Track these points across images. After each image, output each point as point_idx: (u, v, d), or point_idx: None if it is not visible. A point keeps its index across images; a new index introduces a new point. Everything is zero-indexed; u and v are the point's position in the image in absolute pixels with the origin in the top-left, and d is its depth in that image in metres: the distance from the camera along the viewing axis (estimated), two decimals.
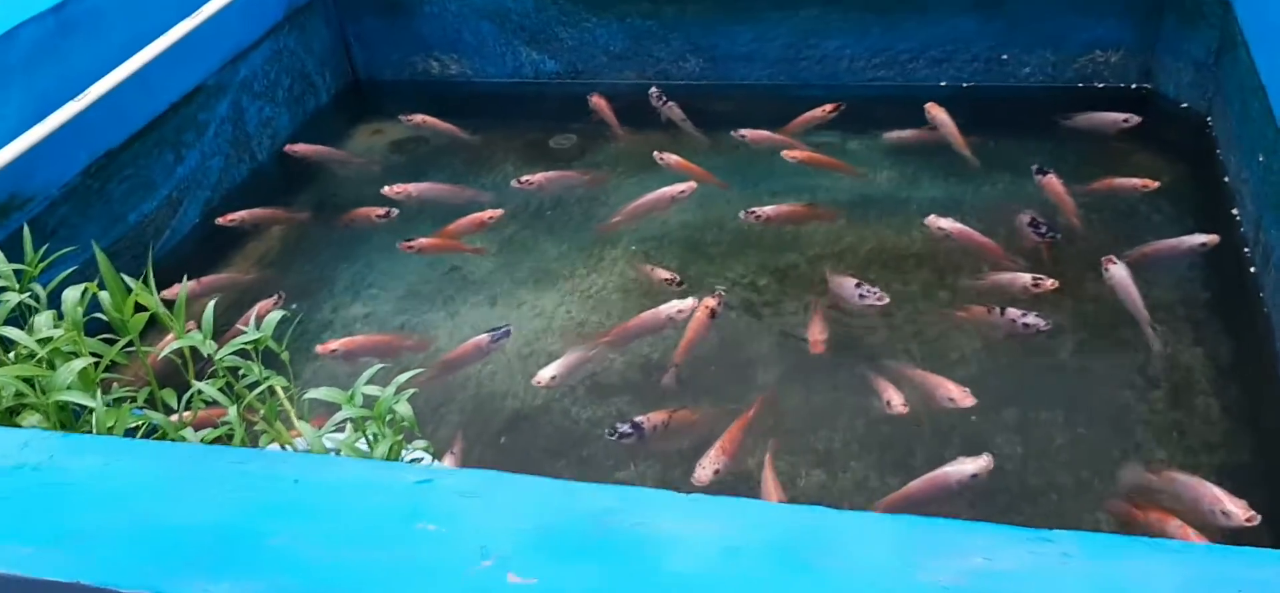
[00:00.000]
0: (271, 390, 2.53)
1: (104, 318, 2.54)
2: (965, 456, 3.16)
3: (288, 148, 5.25)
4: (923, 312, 3.80)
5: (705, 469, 3.22)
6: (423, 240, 4.41)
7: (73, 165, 4.01)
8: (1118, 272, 3.79)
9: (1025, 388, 3.46)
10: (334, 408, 2.42)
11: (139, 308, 2.52)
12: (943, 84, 5.21)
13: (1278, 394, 3.35)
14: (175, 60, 4.03)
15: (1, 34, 3.71)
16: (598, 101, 5.29)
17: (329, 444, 2.41)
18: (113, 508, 1.69)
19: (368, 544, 1.55)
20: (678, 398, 3.54)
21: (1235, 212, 4.08)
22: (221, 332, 2.87)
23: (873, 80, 5.28)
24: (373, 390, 2.43)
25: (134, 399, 2.56)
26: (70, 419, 2.42)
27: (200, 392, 2.49)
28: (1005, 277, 3.88)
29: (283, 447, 2.50)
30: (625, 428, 3.39)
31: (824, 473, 3.23)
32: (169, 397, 2.57)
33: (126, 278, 2.54)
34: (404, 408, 2.41)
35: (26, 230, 2.89)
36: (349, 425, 2.45)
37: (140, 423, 2.42)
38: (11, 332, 2.48)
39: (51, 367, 2.42)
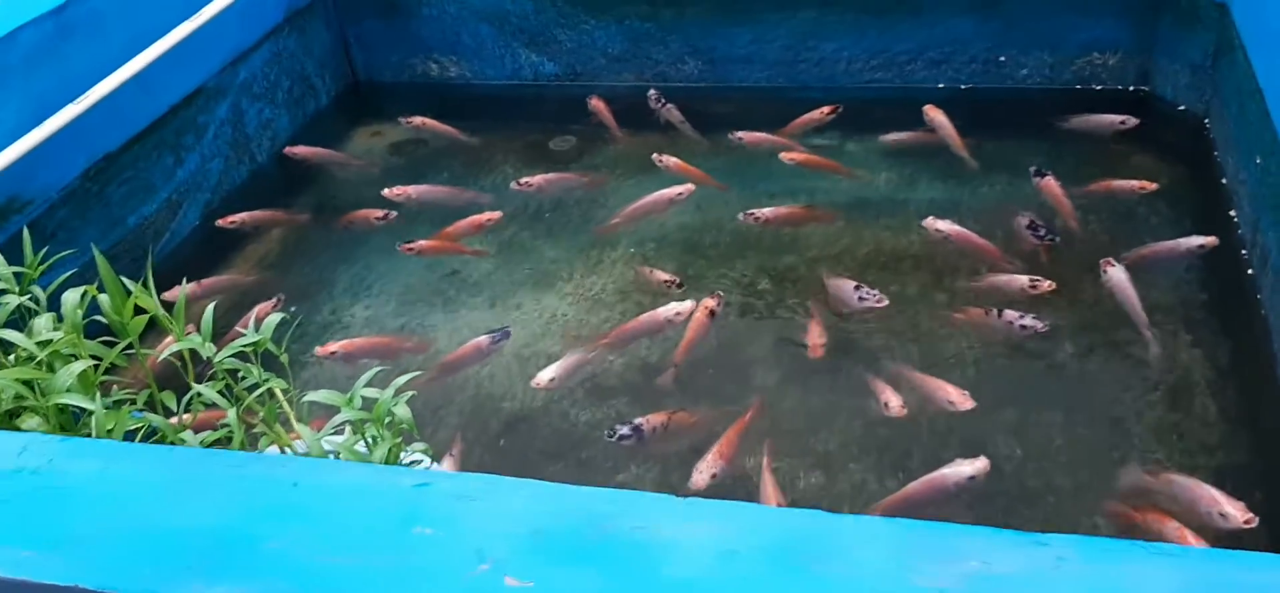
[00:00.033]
0: (270, 393, 2.53)
1: (104, 320, 2.55)
2: (963, 458, 3.16)
3: (287, 150, 5.25)
4: (921, 314, 3.80)
5: (702, 474, 3.22)
6: (423, 242, 4.41)
7: (72, 168, 4.02)
8: (1116, 274, 3.80)
9: (1023, 390, 3.46)
10: (334, 410, 2.43)
11: (138, 310, 2.53)
12: (940, 86, 5.21)
13: (1275, 396, 3.35)
14: (175, 63, 4.03)
15: (1, 37, 3.71)
16: (596, 104, 5.30)
17: (328, 447, 2.41)
18: (112, 512, 1.69)
19: (365, 548, 1.56)
20: (677, 399, 3.54)
21: (1233, 213, 4.08)
22: (221, 334, 2.88)
23: (871, 82, 5.29)
24: (372, 393, 2.43)
25: (133, 402, 2.56)
26: (70, 422, 2.43)
27: (199, 394, 2.49)
28: (1002, 278, 3.89)
29: (282, 449, 2.50)
30: (624, 430, 3.39)
31: (823, 475, 3.23)
32: (168, 399, 2.58)
33: (126, 280, 2.54)
34: (403, 410, 2.42)
35: (26, 233, 2.89)
36: (348, 428, 2.45)
37: (140, 426, 2.42)
38: (11, 334, 2.49)
39: (51, 369, 2.43)
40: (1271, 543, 2.87)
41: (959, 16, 5.06)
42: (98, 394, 2.38)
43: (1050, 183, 4.34)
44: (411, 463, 2.59)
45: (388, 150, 5.31)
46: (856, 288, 3.86)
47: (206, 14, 4.13)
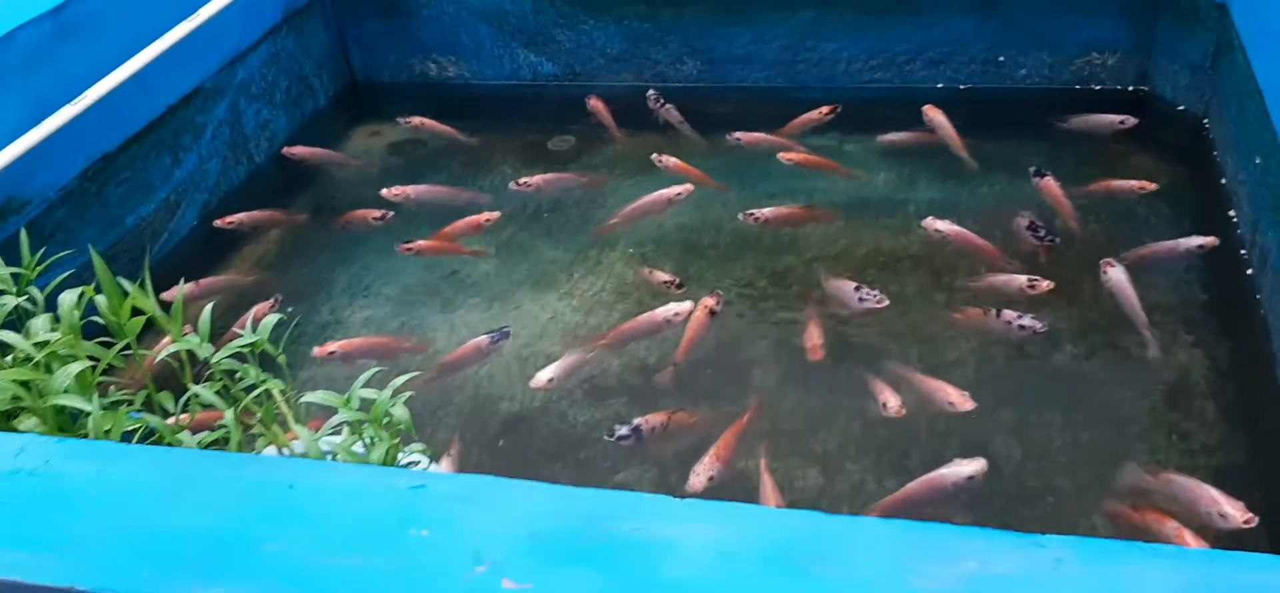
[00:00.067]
0: (268, 394, 2.53)
1: (101, 321, 2.55)
2: (962, 457, 3.16)
3: (285, 150, 5.25)
4: (920, 314, 3.80)
5: (699, 477, 3.21)
6: (422, 243, 4.41)
7: (70, 168, 4.01)
8: (1116, 275, 3.79)
9: (1023, 390, 3.46)
10: (332, 410, 2.43)
11: (136, 311, 2.53)
12: (939, 86, 5.21)
13: (1275, 396, 3.35)
14: (172, 63, 4.04)
15: None
16: (595, 104, 5.30)
17: (325, 448, 2.41)
18: (109, 513, 1.69)
19: (362, 550, 1.56)
20: (676, 399, 3.54)
21: (1232, 214, 4.08)
22: (219, 334, 2.88)
23: (870, 82, 5.29)
24: (370, 394, 2.43)
25: (131, 403, 2.56)
26: (67, 422, 2.43)
27: (197, 395, 2.50)
28: (1001, 278, 3.88)
29: (279, 450, 2.50)
30: (624, 431, 3.39)
31: (821, 475, 3.23)
32: (166, 400, 2.58)
33: (123, 281, 2.55)
34: (401, 411, 2.42)
35: (24, 234, 2.89)
36: (345, 429, 2.45)
37: (137, 426, 2.43)
38: (8, 335, 2.49)
39: (48, 370, 2.43)
40: (1271, 544, 2.87)
41: (958, 16, 5.06)
42: (95, 395, 2.39)
43: (1049, 183, 4.34)
44: (409, 464, 2.59)
45: (386, 151, 5.31)
46: (856, 289, 3.85)
47: (204, 14, 4.13)
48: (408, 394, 2.44)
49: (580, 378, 3.67)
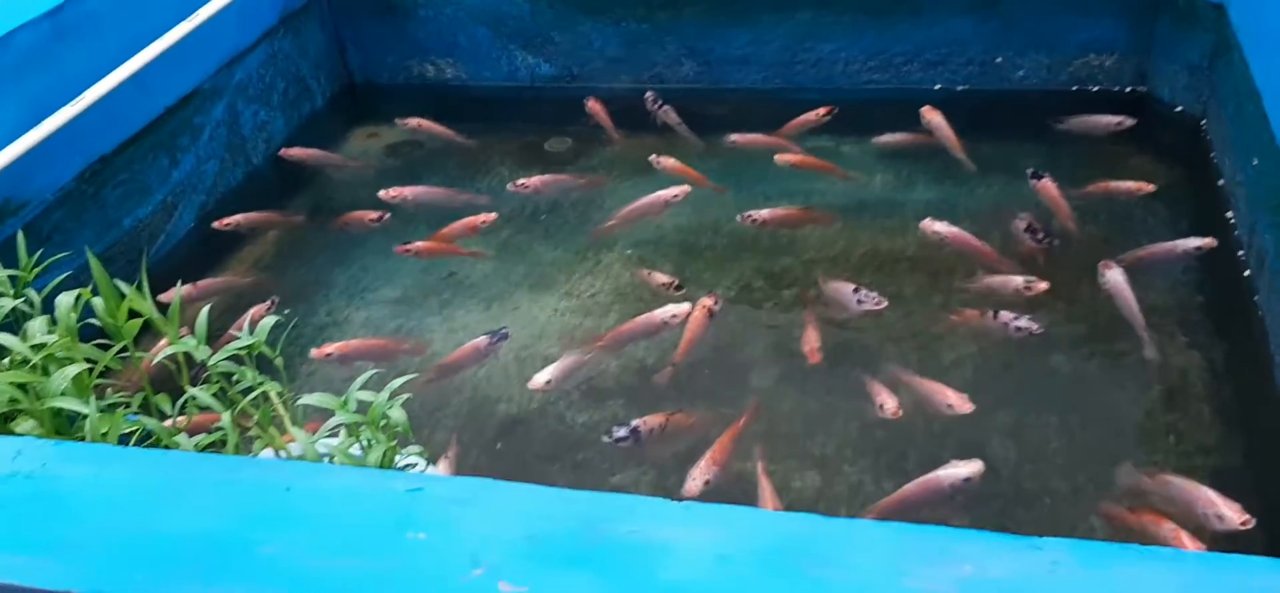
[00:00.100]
0: (265, 396, 2.53)
1: (98, 323, 2.55)
2: (959, 459, 3.16)
3: (283, 151, 5.24)
4: (918, 316, 3.80)
5: (695, 481, 3.21)
6: (420, 244, 4.41)
7: (67, 170, 4.01)
8: (1114, 276, 3.79)
9: (1020, 391, 3.46)
10: (329, 412, 2.43)
11: (133, 313, 2.53)
12: (937, 87, 5.21)
13: (1272, 397, 3.35)
14: (170, 64, 4.03)
15: None
16: (593, 105, 5.29)
17: (322, 450, 2.41)
18: (106, 516, 1.69)
19: (359, 553, 1.56)
20: (674, 400, 3.54)
21: (1230, 215, 4.08)
22: (216, 336, 2.88)
23: (868, 83, 5.29)
24: (367, 396, 2.43)
25: (128, 405, 2.56)
26: (64, 425, 2.42)
27: (194, 397, 2.49)
28: (997, 279, 3.88)
29: (276, 452, 2.50)
30: (622, 432, 3.39)
31: (819, 477, 3.23)
32: (163, 402, 2.58)
33: (121, 283, 2.55)
34: (398, 413, 2.41)
35: (21, 236, 2.89)
36: (343, 431, 2.45)
37: (134, 429, 2.42)
38: (5, 338, 2.49)
39: (46, 373, 2.43)
40: (1268, 545, 2.87)
41: (956, 17, 5.06)
42: (92, 397, 2.38)
43: (1047, 184, 4.34)
44: (406, 466, 2.59)
45: (384, 152, 5.31)
46: (855, 291, 3.85)
47: (202, 16, 4.12)
48: (405, 396, 2.44)
49: (578, 380, 3.67)
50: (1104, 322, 3.69)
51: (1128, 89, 5.06)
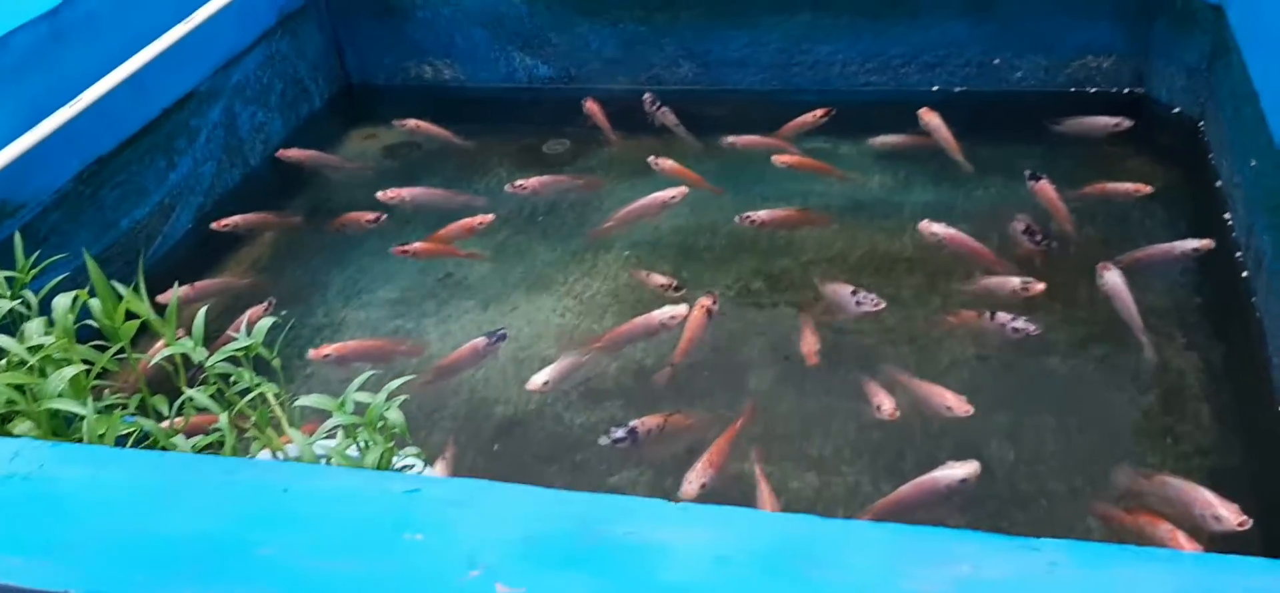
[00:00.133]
0: (262, 397, 2.53)
1: (96, 324, 2.55)
2: (955, 460, 3.16)
3: (280, 153, 5.24)
4: (915, 317, 3.80)
5: (691, 484, 3.20)
6: (418, 245, 4.40)
7: (65, 172, 4.01)
8: (1112, 278, 3.80)
9: (1018, 392, 3.46)
10: (326, 413, 2.43)
11: (130, 315, 2.53)
12: (935, 89, 5.21)
13: (1270, 398, 3.35)
14: (168, 66, 4.03)
15: None
16: (591, 106, 5.29)
17: (319, 451, 2.41)
18: (103, 517, 1.69)
19: (357, 554, 1.56)
20: (673, 400, 3.54)
21: (1227, 217, 4.08)
22: (214, 337, 2.88)
23: (865, 85, 5.29)
24: (364, 397, 2.43)
25: (125, 406, 2.56)
26: (62, 426, 2.42)
27: (191, 399, 2.49)
28: (994, 280, 3.89)
29: (274, 453, 2.50)
30: (619, 432, 3.39)
31: (816, 477, 3.23)
32: (160, 403, 2.58)
33: (118, 285, 2.55)
34: (395, 415, 2.41)
35: (18, 237, 2.89)
36: (340, 432, 2.45)
37: (131, 430, 2.42)
38: (3, 339, 2.48)
39: (43, 374, 2.43)
40: (1265, 546, 2.87)
41: (953, 20, 5.06)
42: (89, 399, 2.38)
43: (1045, 186, 4.34)
44: (404, 468, 2.59)
45: (381, 153, 5.30)
46: (853, 292, 3.85)
47: (199, 17, 4.12)
48: (402, 398, 2.44)
49: (576, 381, 3.67)
50: (1102, 323, 3.69)
51: (1125, 91, 5.07)
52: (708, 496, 3.17)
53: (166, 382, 2.68)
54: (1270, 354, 3.45)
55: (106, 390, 2.67)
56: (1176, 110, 4.90)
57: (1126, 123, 4.75)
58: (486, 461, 3.41)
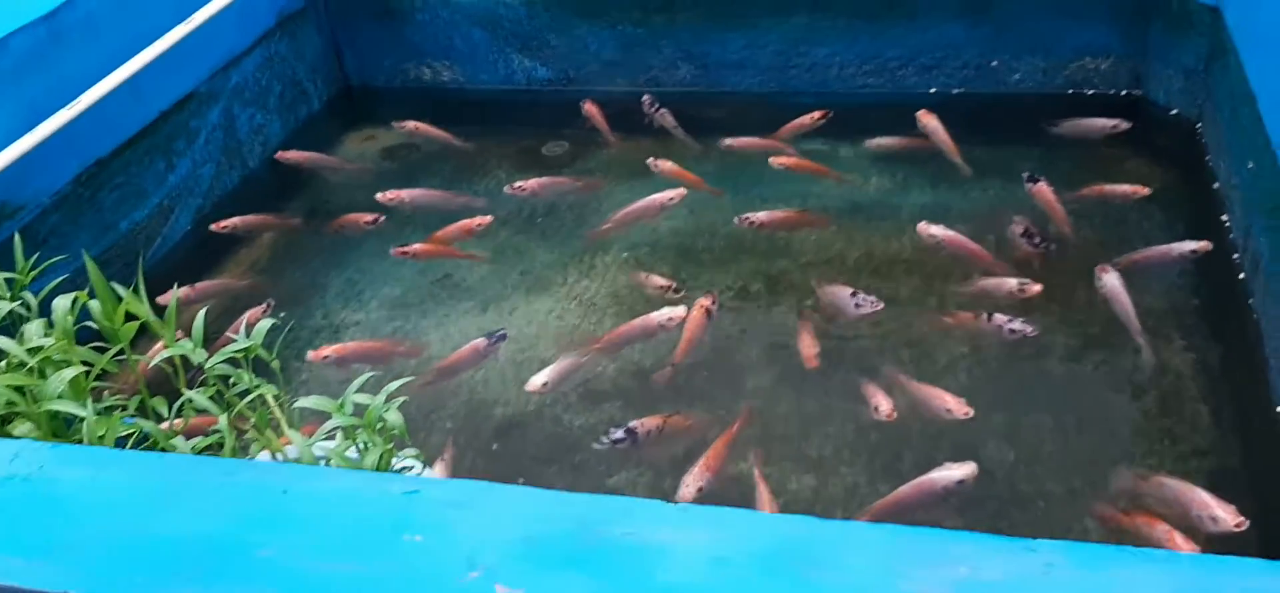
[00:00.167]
0: (262, 399, 2.53)
1: (95, 325, 2.55)
2: (952, 461, 3.17)
3: (279, 155, 5.24)
4: (913, 319, 3.80)
5: (688, 488, 3.20)
6: (417, 246, 4.41)
7: (64, 173, 4.01)
8: (1110, 280, 3.80)
9: (1016, 394, 3.46)
10: (325, 415, 2.43)
11: (130, 316, 2.53)
12: (932, 91, 5.22)
13: (1266, 400, 3.36)
14: (167, 68, 4.04)
15: None
16: (590, 108, 5.30)
17: (319, 452, 2.41)
18: (103, 518, 1.69)
19: (356, 555, 1.56)
20: (671, 401, 3.55)
21: (1225, 218, 4.09)
22: (213, 339, 2.88)
23: (863, 87, 5.29)
24: (363, 399, 2.43)
25: (125, 408, 2.56)
26: (62, 428, 2.43)
27: (191, 400, 2.50)
28: (991, 281, 3.89)
29: (273, 455, 2.50)
30: (619, 434, 3.39)
31: (815, 478, 3.24)
32: (160, 405, 2.58)
33: (117, 286, 2.55)
34: (394, 416, 2.42)
35: (18, 239, 2.89)
36: (339, 434, 2.45)
37: (131, 432, 2.43)
38: (3, 341, 2.49)
39: (42, 376, 2.43)
40: (1262, 547, 2.88)
41: (951, 21, 5.06)
42: (89, 400, 2.39)
43: (1042, 188, 4.35)
44: (403, 469, 2.59)
45: (380, 155, 5.31)
46: (852, 294, 3.85)
47: (198, 19, 4.13)
48: (402, 399, 2.44)
49: (575, 382, 3.67)
50: (1099, 324, 3.69)
51: (1123, 92, 5.07)
52: (705, 499, 3.17)
53: (166, 383, 2.68)
54: (1267, 355, 3.45)
55: (106, 392, 2.68)
56: (1174, 112, 4.90)
57: (1124, 125, 4.76)
58: (485, 462, 3.42)
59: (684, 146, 5.02)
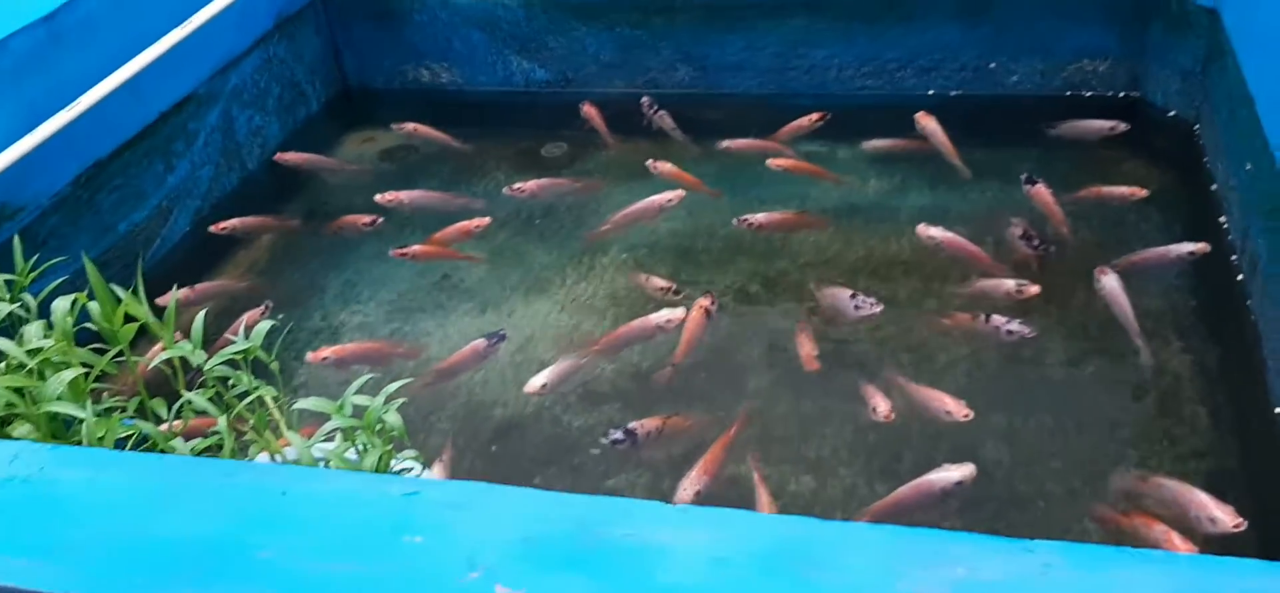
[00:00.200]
0: (261, 400, 2.53)
1: (94, 327, 2.55)
2: (951, 462, 3.17)
3: (278, 156, 5.24)
4: (911, 320, 3.81)
5: (686, 492, 3.20)
6: (416, 247, 4.41)
7: (63, 175, 4.01)
8: (1109, 282, 3.80)
9: (1014, 395, 3.47)
10: (325, 416, 2.43)
11: (129, 318, 2.53)
12: (930, 93, 5.22)
13: (1265, 401, 3.36)
14: (165, 69, 4.03)
15: None
16: (588, 110, 5.30)
17: (318, 454, 2.41)
18: (103, 520, 1.70)
19: (356, 556, 1.56)
20: (671, 402, 3.55)
21: (1223, 220, 4.09)
22: (212, 340, 2.88)
23: (861, 89, 5.30)
24: (362, 400, 2.43)
25: (124, 409, 2.56)
26: (61, 429, 2.43)
27: (190, 402, 2.50)
28: (989, 283, 3.89)
29: (272, 456, 2.50)
30: (618, 434, 3.40)
31: (813, 479, 3.24)
32: (159, 406, 2.58)
33: (116, 288, 2.55)
34: (393, 418, 2.42)
35: (17, 240, 2.89)
36: (338, 435, 2.45)
37: (130, 433, 2.43)
38: (2, 342, 2.49)
39: (42, 377, 2.43)
40: (1261, 548, 2.88)
41: (949, 23, 5.07)
42: (88, 402, 2.39)
43: (1041, 190, 4.35)
44: (402, 470, 2.59)
45: (379, 156, 5.31)
46: (852, 296, 3.86)
47: (197, 21, 4.13)
48: (401, 401, 2.45)
49: (573, 383, 3.67)
50: (1098, 326, 3.70)
51: (1121, 94, 5.08)
52: (702, 503, 3.17)
53: (165, 385, 2.68)
54: (1265, 356, 3.46)
55: (105, 393, 2.68)
56: (1172, 114, 4.91)
57: (1122, 126, 4.76)
58: (485, 463, 3.42)
59: (682, 148, 5.03)
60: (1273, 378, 3.37)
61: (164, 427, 2.52)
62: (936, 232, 4.17)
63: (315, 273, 4.40)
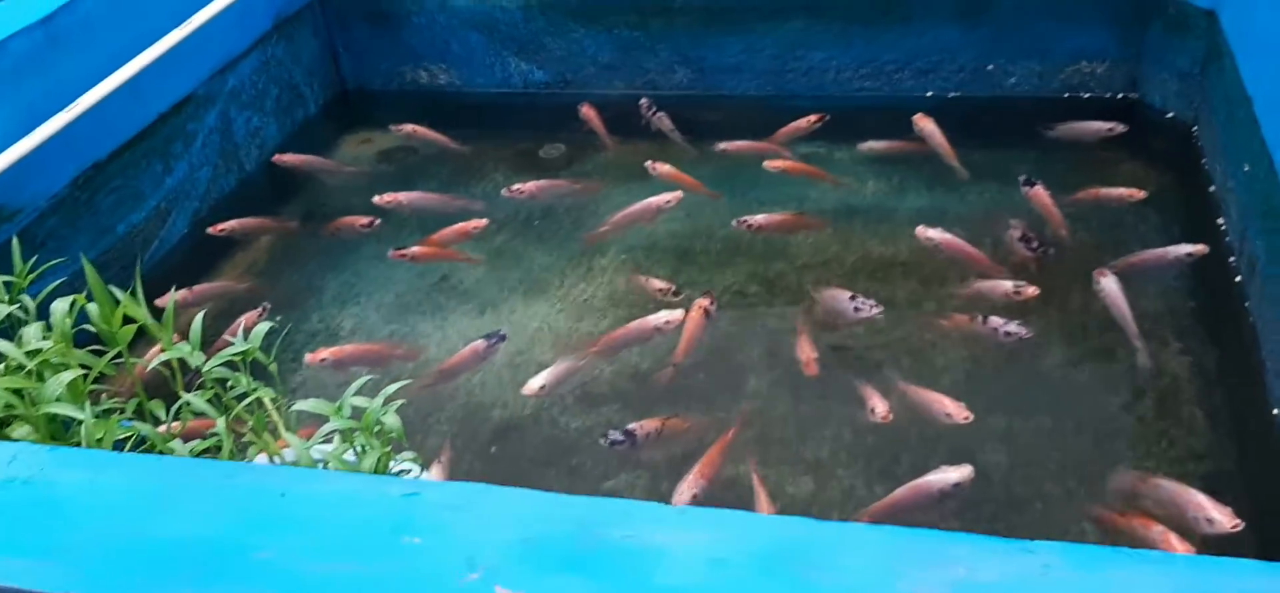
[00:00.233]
0: (259, 402, 2.53)
1: (93, 328, 2.55)
2: (949, 464, 3.17)
3: (276, 158, 5.24)
4: (910, 321, 3.81)
5: (683, 495, 3.20)
6: (415, 248, 4.41)
7: (61, 177, 4.01)
8: (1109, 284, 3.80)
9: (1013, 396, 3.47)
10: (323, 418, 2.43)
11: (127, 319, 2.53)
12: (929, 94, 5.22)
13: (1263, 402, 3.36)
14: (164, 71, 4.03)
15: None
16: (587, 111, 5.30)
17: (317, 456, 2.41)
18: (101, 521, 1.70)
19: (355, 558, 1.56)
20: (670, 403, 3.55)
21: (1221, 221, 4.10)
22: (210, 341, 2.88)
23: (859, 91, 5.30)
24: (361, 401, 2.43)
25: (123, 410, 2.56)
26: (60, 430, 2.42)
27: (188, 403, 2.50)
28: (987, 284, 3.90)
29: (271, 458, 2.50)
30: (618, 435, 3.40)
31: (812, 481, 3.24)
32: (157, 408, 2.58)
33: (115, 289, 2.55)
34: (392, 419, 2.42)
35: (16, 242, 2.89)
36: (337, 436, 2.45)
37: (129, 434, 2.43)
38: (1, 344, 2.49)
39: (40, 378, 2.43)
40: (1258, 549, 2.88)
41: (947, 25, 5.07)
42: (87, 403, 2.39)
43: (1039, 192, 4.35)
44: (401, 472, 2.59)
45: (377, 158, 5.31)
46: (851, 298, 3.86)
47: (195, 22, 4.13)
48: (399, 402, 2.44)
49: (572, 385, 3.67)
50: (1096, 327, 3.70)
51: (1119, 96, 5.08)
52: (700, 503, 3.17)
53: (164, 386, 2.68)
54: (1263, 358, 3.46)
55: (104, 395, 2.68)
56: (1170, 115, 4.91)
57: (1120, 128, 4.76)
58: (483, 464, 3.42)
59: (681, 150, 5.03)
60: (1270, 379, 3.37)
61: (162, 428, 2.52)
62: (935, 233, 4.18)
63: (313, 274, 4.40)
